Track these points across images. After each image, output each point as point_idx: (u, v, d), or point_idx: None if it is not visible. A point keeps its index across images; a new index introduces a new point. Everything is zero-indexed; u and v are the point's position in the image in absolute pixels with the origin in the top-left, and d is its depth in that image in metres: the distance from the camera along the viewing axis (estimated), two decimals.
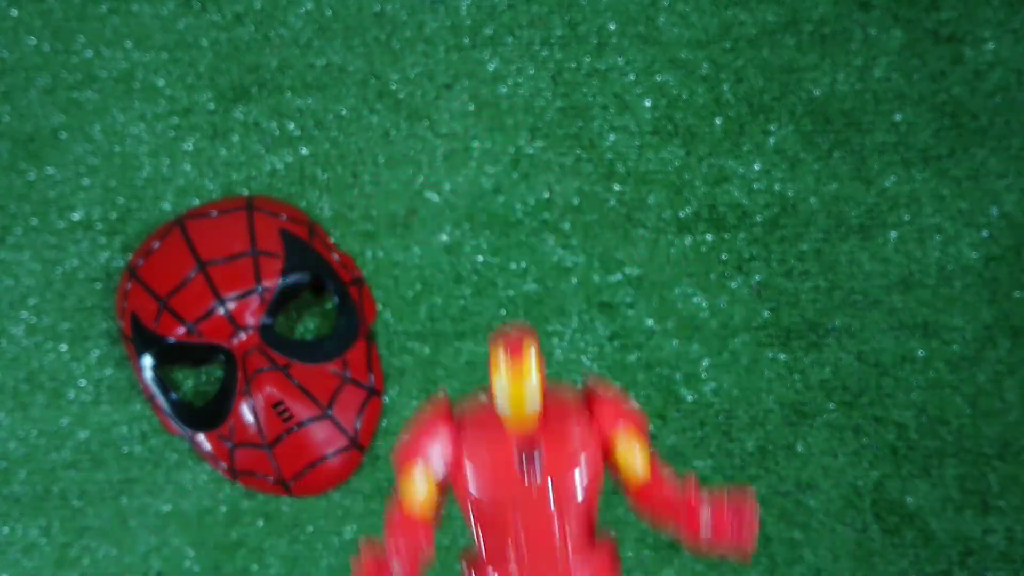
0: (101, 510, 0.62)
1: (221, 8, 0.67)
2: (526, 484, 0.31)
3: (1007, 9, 0.67)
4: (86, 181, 0.65)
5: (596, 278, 0.64)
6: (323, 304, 0.65)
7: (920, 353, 0.64)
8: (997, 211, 0.65)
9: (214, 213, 0.62)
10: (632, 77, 0.67)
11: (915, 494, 0.62)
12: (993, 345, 0.64)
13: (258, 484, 0.61)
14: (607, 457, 0.32)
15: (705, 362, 0.64)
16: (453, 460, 0.32)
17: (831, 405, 0.63)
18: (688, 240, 0.65)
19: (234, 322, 0.59)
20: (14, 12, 0.67)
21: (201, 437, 0.60)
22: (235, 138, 0.66)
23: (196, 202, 0.65)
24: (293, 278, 0.60)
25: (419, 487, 0.31)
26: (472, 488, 0.31)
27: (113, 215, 0.65)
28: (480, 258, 0.65)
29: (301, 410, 0.59)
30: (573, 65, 0.67)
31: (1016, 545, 0.62)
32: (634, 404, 0.33)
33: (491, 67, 0.67)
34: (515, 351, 0.29)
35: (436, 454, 0.32)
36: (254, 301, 0.59)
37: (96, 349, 0.64)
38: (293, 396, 0.59)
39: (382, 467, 0.63)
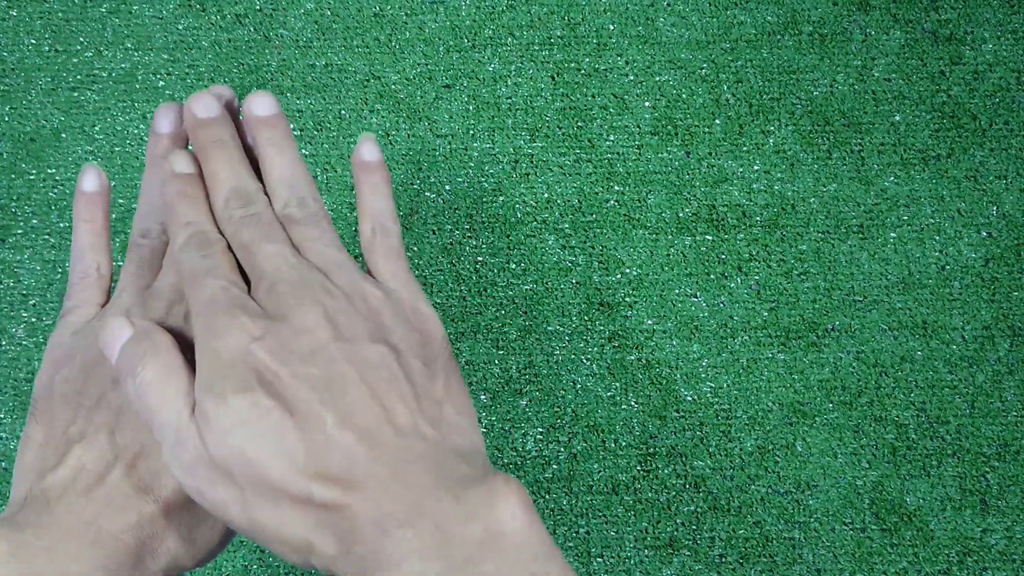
0: None
1: (221, 9, 0.67)
2: None
3: (1007, 9, 0.67)
4: None
5: (596, 278, 0.64)
6: None
7: (919, 353, 0.64)
8: (996, 211, 0.65)
9: None
10: (632, 77, 0.67)
11: (914, 494, 0.62)
12: (992, 345, 0.64)
13: None
14: None
15: (704, 362, 0.64)
16: None
17: (830, 405, 0.63)
18: (688, 240, 0.65)
19: None
20: (14, 12, 0.67)
21: None
22: None
23: None
24: None
25: None
26: None
27: (113, 215, 0.65)
28: (480, 258, 0.65)
29: None
30: (573, 65, 0.67)
31: (1015, 544, 0.62)
32: None
33: (491, 67, 0.67)
34: None
35: None
36: None
37: None
38: None
39: None
